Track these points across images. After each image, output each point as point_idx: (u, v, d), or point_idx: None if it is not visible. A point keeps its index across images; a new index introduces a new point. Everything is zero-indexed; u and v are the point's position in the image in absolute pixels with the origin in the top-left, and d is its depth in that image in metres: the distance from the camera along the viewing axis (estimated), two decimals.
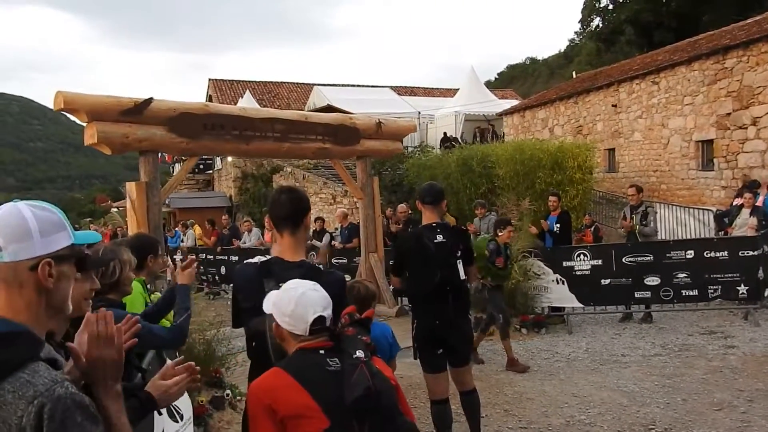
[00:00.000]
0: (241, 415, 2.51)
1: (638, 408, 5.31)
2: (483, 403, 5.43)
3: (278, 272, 2.49)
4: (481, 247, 6.56)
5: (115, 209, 30.28)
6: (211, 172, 29.34)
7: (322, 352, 1.99)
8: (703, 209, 12.12)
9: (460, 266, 4.28)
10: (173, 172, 25.50)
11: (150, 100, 6.48)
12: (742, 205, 9.44)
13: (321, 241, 12.03)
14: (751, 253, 8.11)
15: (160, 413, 2.18)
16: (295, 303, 2.06)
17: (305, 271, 2.50)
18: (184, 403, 3.34)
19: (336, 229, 12.80)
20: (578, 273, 8.56)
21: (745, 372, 5.99)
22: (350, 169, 11.28)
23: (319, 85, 30.70)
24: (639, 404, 5.40)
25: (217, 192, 27.20)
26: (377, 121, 9.41)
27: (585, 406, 5.44)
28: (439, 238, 4.23)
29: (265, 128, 7.61)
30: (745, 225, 8.97)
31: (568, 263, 8.59)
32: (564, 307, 8.74)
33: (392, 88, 32.61)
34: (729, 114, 14.99)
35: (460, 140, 24.96)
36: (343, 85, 31.73)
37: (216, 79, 33.72)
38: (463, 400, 4.43)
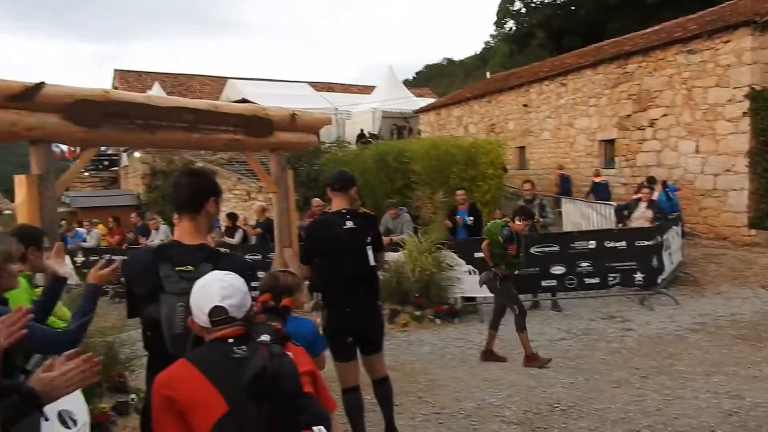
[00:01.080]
0: None
1: (544, 389, 5.56)
2: (397, 391, 5.52)
3: (175, 256, 2.42)
4: (494, 233, 6.42)
5: (9, 211, 28.40)
6: (117, 169, 28.06)
7: (231, 340, 1.98)
8: (605, 204, 12.78)
9: (370, 253, 4.32)
10: None
11: (42, 84, 6.09)
12: (639, 199, 10.06)
13: (233, 238, 11.85)
14: (646, 243, 8.66)
15: (47, 419, 2.00)
16: (195, 295, 2.05)
17: (205, 255, 2.44)
18: (77, 408, 3.14)
19: (252, 224, 12.62)
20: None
21: (640, 352, 6.39)
22: (264, 164, 11.14)
23: (233, 78, 30.09)
24: (545, 385, 5.66)
25: (123, 190, 26.07)
26: (291, 113, 9.34)
27: (495, 389, 5.64)
28: (349, 224, 4.23)
29: (172, 117, 7.33)
30: (641, 217, 9.56)
31: (480, 254, 8.81)
32: (476, 297, 8.99)
33: (310, 83, 32.41)
34: (629, 116, 15.89)
35: (378, 136, 25.19)
36: (258, 80, 31.17)
37: (122, 70, 32.43)
38: (375, 388, 4.44)
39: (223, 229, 12.35)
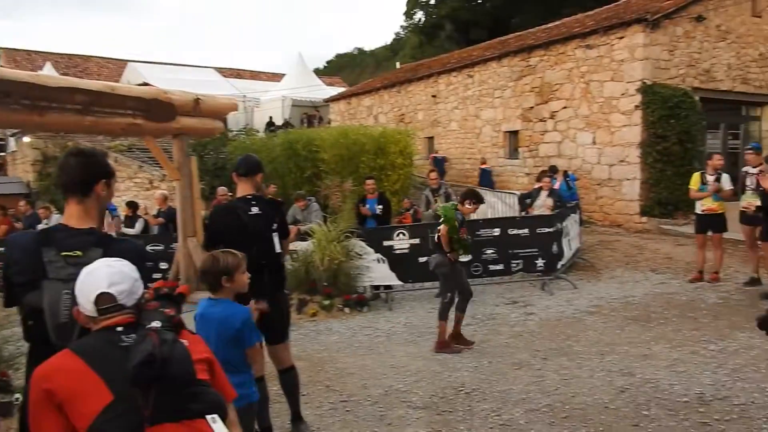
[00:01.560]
0: None
1: (450, 373, 5.66)
2: (304, 381, 5.47)
3: (61, 240, 2.26)
4: (451, 217, 6.25)
5: None
6: (3, 155, 26.24)
7: (119, 329, 1.89)
8: (509, 193, 13.23)
9: (276, 239, 4.24)
10: None
11: None
12: (541, 188, 10.43)
13: (133, 228, 11.35)
14: (547, 230, 9.00)
15: None
16: (80, 282, 1.95)
17: (95, 239, 2.29)
18: None
19: (154, 213, 12.13)
20: (398, 252, 8.90)
21: (541, 335, 6.63)
22: (168, 151, 10.73)
23: (134, 61, 28.77)
24: (451, 370, 5.76)
25: (11, 177, 24.39)
26: (195, 97, 9.01)
27: (402, 375, 5.68)
28: (255, 210, 4.14)
29: (63, 99, 6.88)
30: (543, 206, 9.92)
31: (389, 242, 8.91)
32: (384, 285, 9.05)
33: (216, 69, 31.50)
34: (532, 108, 16.45)
35: (289, 124, 24.85)
36: (162, 63, 29.96)
37: (9, 48, 30.21)
38: (281, 378, 4.36)
39: (122, 218, 11.82)
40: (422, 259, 8.86)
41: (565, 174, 13.20)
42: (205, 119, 9.35)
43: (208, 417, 1.85)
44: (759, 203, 7.81)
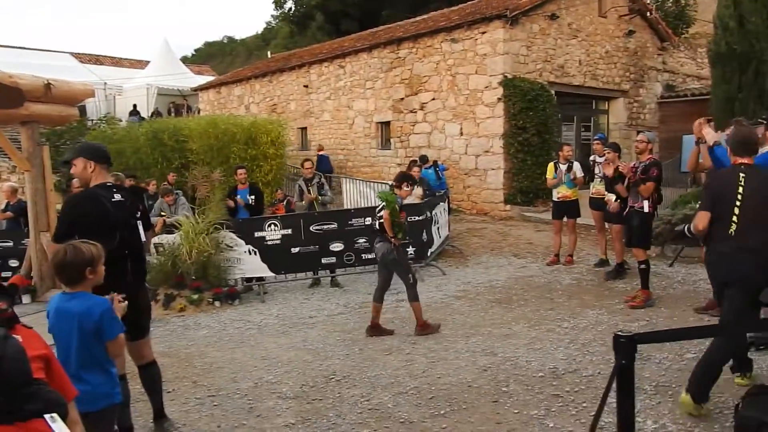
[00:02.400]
0: None
1: (321, 362, 5.68)
2: (170, 377, 5.30)
3: None
4: (393, 201, 6.27)
5: None
6: None
7: None
8: (381, 183, 13.41)
9: (141, 228, 4.05)
10: None
11: None
12: None
13: None
14: (417, 218, 9.23)
15: None
16: None
17: None
18: None
19: (2, 207, 11.12)
20: (270, 243, 8.78)
21: (411, 320, 6.77)
22: (17, 140, 9.91)
23: None
24: (322, 358, 5.78)
25: None
26: (46, 82, 8.35)
27: (273, 367, 5.62)
28: (117, 197, 3.94)
29: None
30: (413, 195, 10.14)
31: (260, 233, 8.76)
32: (256, 277, 8.90)
33: (73, 54, 29.35)
34: (402, 99, 16.79)
35: (156, 113, 23.71)
36: (9, 47, 27.47)
37: None
38: (142, 374, 4.17)
39: None
40: (295, 250, 8.85)
41: (435, 164, 13.58)
42: (58, 106, 8.72)
43: (47, 416, 1.73)
44: (610, 197, 8.45)
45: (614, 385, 2.36)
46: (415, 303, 6.41)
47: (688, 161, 6.46)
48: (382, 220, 6.36)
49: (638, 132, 7.63)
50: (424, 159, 13.07)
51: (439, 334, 6.35)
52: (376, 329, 6.48)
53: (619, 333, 2.37)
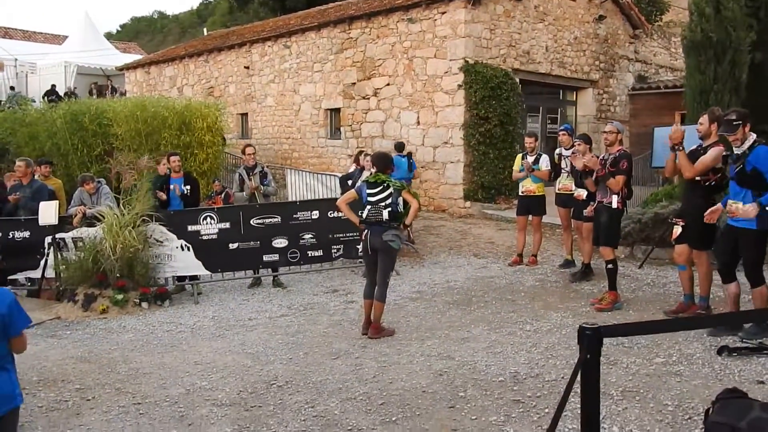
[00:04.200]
0: None
1: (262, 367, 5.66)
2: (90, 384, 5.28)
3: None
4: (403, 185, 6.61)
5: None
6: None
7: None
8: (330, 175, 13.43)
9: None
10: None
11: None
12: (363, 168, 10.71)
13: None
14: None
15: None
16: None
17: None
18: None
19: None
20: (205, 238, 8.70)
21: (360, 322, 6.82)
22: None
23: None
24: (263, 363, 5.77)
25: None
26: None
27: (207, 372, 5.58)
28: None
29: None
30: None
31: (194, 227, 8.66)
32: (189, 276, 8.80)
33: None
34: (354, 84, 16.81)
35: (75, 93, 23.14)
36: None
37: None
38: None
39: None
40: (233, 246, 8.79)
41: (410, 155, 13.47)
42: None
43: None
44: (573, 186, 8.68)
45: (577, 384, 2.41)
46: (380, 303, 6.51)
47: (666, 168, 6.78)
48: (390, 208, 6.38)
49: (607, 123, 7.83)
50: (400, 146, 12.87)
51: (392, 338, 6.41)
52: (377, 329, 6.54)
53: (585, 324, 2.44)
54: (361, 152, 11.85)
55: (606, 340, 2.49)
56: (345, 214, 6.81)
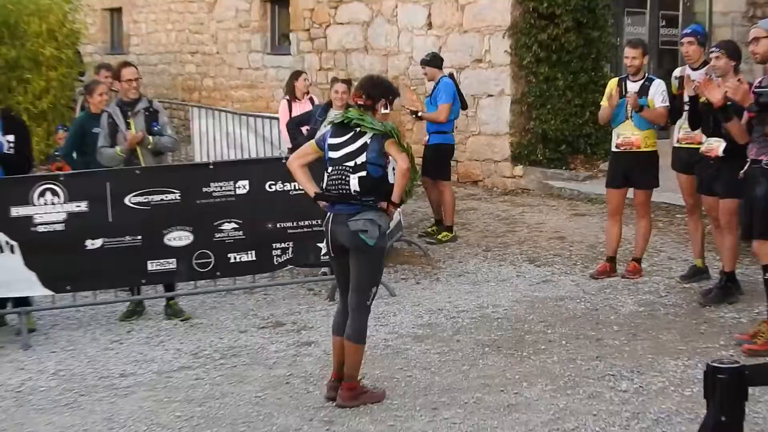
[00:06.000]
0: None
1: None
2: None
3: None
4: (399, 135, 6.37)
5: None
6: None
7: None
8: (270, 118, 13.32)
9: None
10: None
11: None
12: (329, 104, 10.71)
13: None
14: None
15: None
16: None
17: None
18: None
19: None
20: (42, 229, 8.62)
21: (324, 379, 6.78)
22: None
23: None
24: None
25: None
26: None
27: None
28: None
29: None
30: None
31: (22, 210, 8.59)
32: (16, 299, 8.79)
33: None
34: None
35: None
36: None
37: None
38: None
39: None
40: (93, 244, 8.72)
41: (452, 75, 13.02)
42: None
43: None
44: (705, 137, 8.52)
45: None
46: (356, 344, 6.43)
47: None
48: (363, 172, 6.22)
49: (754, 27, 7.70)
50: (437, 60, 12.30)
51: (383, 405, 6.36)
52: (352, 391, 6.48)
53: (715, 363, 2.41)
54: (336, 80, 11.79)
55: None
56: (299, 182, 6.71)
